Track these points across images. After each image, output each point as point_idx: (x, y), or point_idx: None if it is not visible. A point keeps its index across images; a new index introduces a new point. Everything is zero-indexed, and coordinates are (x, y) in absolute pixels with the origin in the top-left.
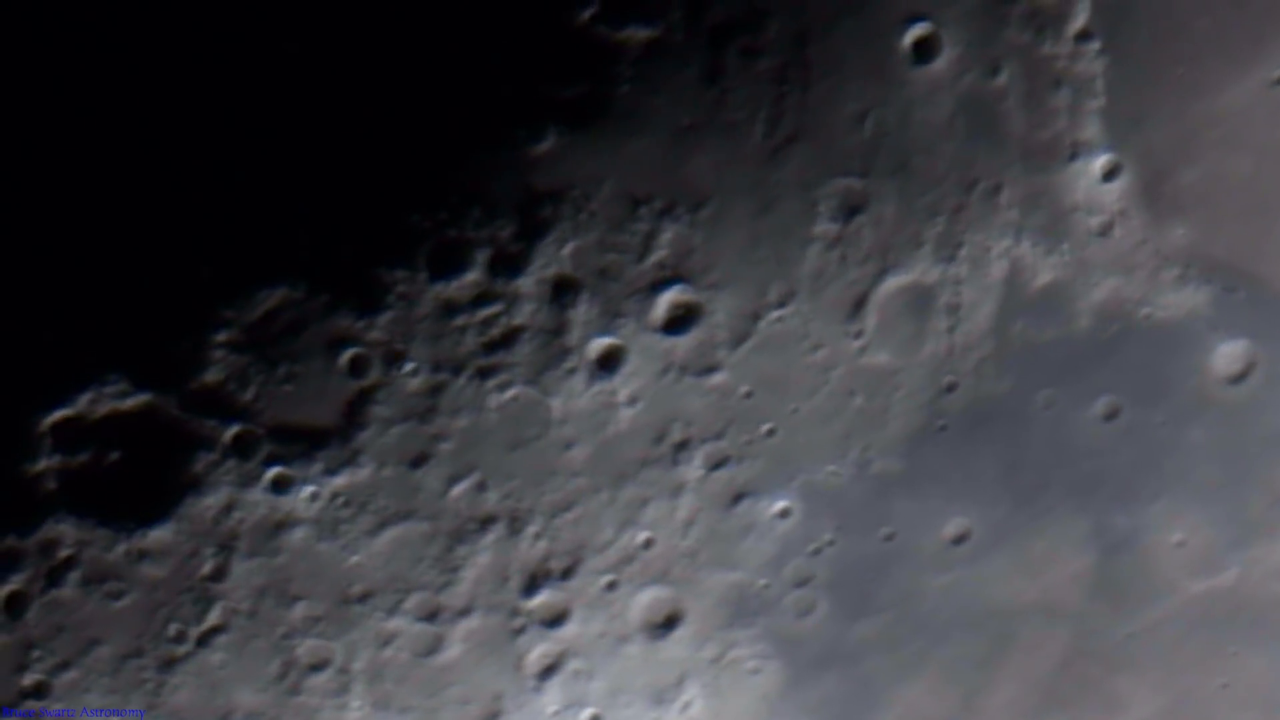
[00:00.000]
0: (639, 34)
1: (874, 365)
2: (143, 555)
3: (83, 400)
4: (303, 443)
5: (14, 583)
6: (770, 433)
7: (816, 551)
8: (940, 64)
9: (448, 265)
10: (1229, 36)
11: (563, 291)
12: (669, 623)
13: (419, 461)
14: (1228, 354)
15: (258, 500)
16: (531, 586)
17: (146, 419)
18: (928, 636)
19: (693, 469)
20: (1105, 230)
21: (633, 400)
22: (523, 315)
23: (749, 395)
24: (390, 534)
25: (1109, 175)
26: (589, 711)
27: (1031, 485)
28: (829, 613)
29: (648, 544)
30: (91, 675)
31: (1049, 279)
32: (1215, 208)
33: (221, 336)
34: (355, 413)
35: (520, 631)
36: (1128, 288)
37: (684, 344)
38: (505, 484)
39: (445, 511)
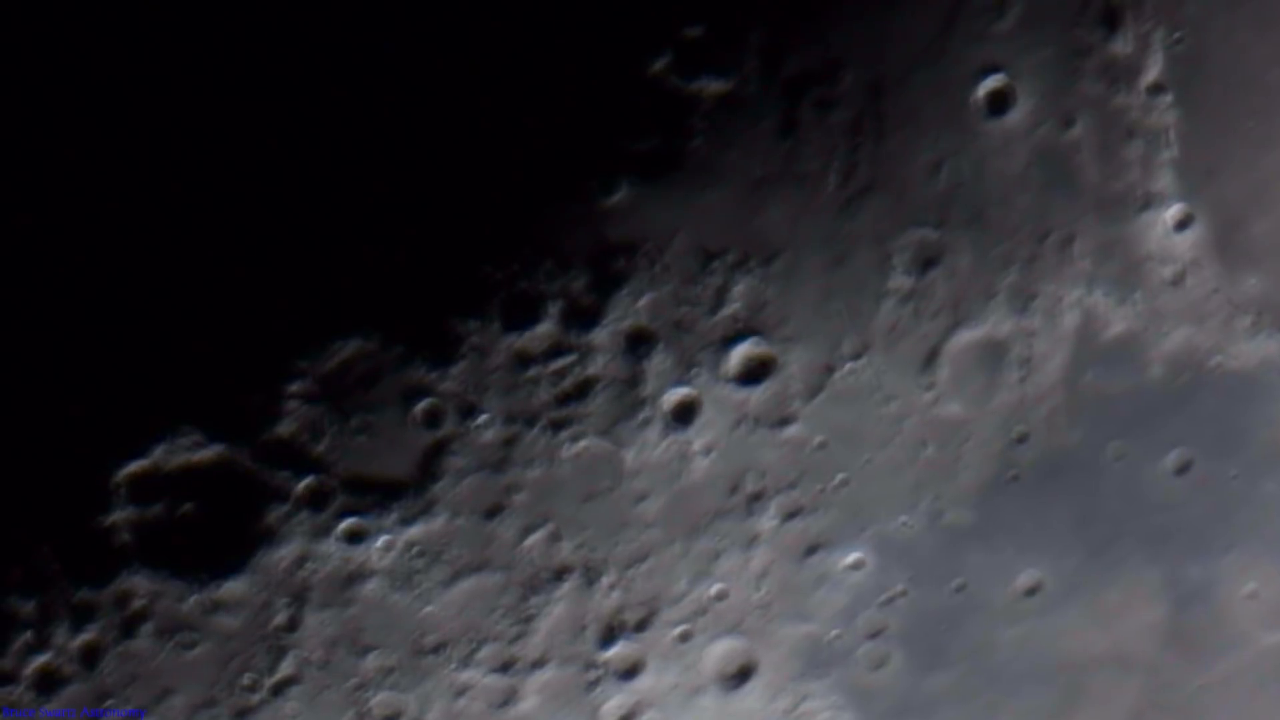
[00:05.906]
0: (712, 86)
1: (946, 416)
2: (216, 606)
3: (157, 453)
4: (376, 494)
5: (89, 633)
6: (843, 484)
7: (889, 603)
8: (1015, 115)
9: (520, 317)
10: None
11: (636, 344)
12: (743, 674)
13: (493, 512)
14: None
15: (331, 551)
16: (606, 638)
17: (220, 471)
18: (1000, 688)
19: (766, 520)
20: (1178, 280)
21: (707, 452)
22: (596, 367)
23: (822, 446)
24: (464, 585)
25: (1181, 225)
26: None
27: (1103, 536)
28: (901, 664)
29: (721, 595)
30: None
31: (1121, 329)
32: None
33: (295, 388)
34: (429, 464)
35: (595, 683)
36: (1200, 338)
37: (758, 396)
38: (579, 535)
39: (519, 562)
